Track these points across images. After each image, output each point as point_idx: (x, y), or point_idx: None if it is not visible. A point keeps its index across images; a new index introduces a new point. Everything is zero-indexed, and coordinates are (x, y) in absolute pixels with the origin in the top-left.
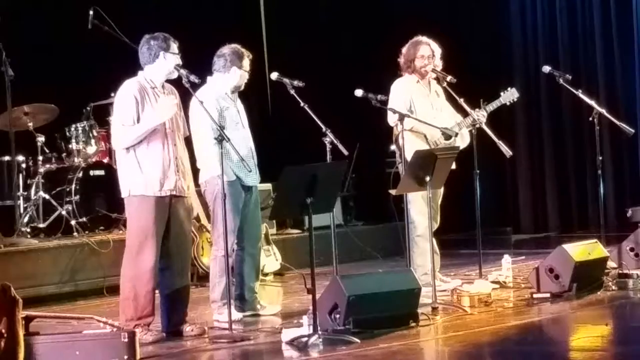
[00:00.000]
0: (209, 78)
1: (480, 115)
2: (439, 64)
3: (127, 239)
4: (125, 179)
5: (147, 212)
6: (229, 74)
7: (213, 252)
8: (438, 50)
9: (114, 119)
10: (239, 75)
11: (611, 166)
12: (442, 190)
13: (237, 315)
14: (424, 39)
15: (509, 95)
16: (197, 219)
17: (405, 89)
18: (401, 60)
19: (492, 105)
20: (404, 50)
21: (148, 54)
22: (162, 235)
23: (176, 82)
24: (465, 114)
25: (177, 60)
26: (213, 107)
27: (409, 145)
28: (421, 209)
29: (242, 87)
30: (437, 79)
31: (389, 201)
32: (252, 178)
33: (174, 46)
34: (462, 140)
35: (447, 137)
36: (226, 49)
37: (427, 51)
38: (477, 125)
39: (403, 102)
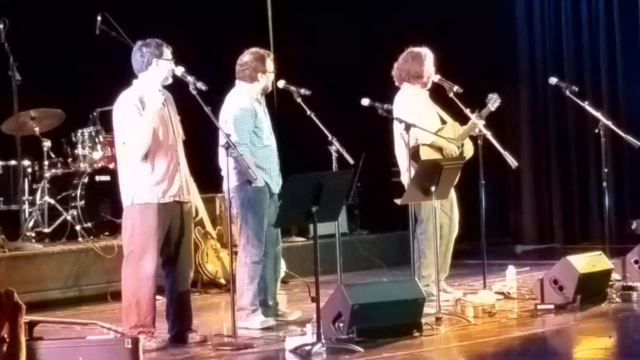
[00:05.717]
0: (237, 82)
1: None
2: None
3: (126, 246)
4: (128, 188)
5: (149, 219)
6: (257, 82)
7: (241, 259)
8: None
9: (118, 134)
10: (266, 79)
11: (615, 178)
12: (454, 197)
13: (269, 322)
14: (424, 49)
15: (494, 101)
16: (202, 225)
17: (415, 99)
18: (402, 72)
19: (484, 113)
20: (406, 62)
21: (141, 61)
22: (162, 242)
23: (182, 89)
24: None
25: (171, 65)
26: (251, 114)
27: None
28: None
29: (270, 88)
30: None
31: (403, 210)
32: (278, 185)
33: (167, 52)
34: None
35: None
36: (247, 57)
37: (432, 60)
38: (479, 134)
39: (417, 113)
